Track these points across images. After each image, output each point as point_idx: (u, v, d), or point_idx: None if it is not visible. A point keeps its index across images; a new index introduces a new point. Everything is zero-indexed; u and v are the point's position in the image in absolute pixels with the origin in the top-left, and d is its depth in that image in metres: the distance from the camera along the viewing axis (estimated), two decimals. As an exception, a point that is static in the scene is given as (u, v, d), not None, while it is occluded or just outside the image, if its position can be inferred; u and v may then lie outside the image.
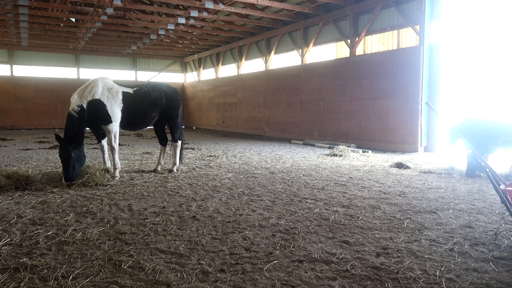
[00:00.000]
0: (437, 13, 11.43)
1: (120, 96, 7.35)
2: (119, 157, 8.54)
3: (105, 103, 7.12)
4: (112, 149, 7.36)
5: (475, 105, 10.76)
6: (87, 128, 7.54)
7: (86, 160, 7.41)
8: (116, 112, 7.26)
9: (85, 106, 6.92)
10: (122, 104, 7.35)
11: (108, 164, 7.82)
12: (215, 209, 5.20)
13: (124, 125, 7.63)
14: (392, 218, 4.78)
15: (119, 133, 7.64)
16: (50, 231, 4.24)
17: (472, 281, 3.06)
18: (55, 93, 23.65)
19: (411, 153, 11.53)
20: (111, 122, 7.20)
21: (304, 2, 14.86)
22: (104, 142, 7.69)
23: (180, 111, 8.38)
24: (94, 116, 7.06)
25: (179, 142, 8.36)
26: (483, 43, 10.69)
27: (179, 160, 8.47)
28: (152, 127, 8.44)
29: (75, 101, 6.89)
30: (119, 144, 13.87)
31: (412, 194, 6.08)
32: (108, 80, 7.47)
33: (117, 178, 7.18)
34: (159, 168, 8.20)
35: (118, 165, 7.45)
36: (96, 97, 7.05)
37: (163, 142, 8.48)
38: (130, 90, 7.61)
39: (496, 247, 3.76)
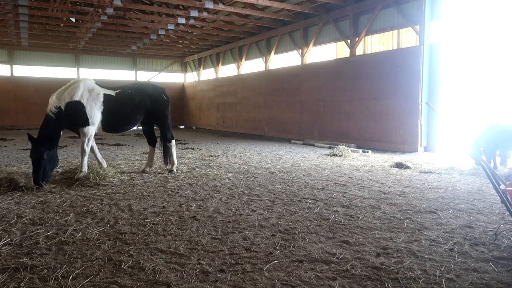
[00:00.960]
0: (437, 13, 11.43)
1: (101, 99, 7.25)
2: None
3: (85, 104, 7.04)
4: (82, 151, 7.18)
5: (475, 105, 10.76)
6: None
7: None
8: (95, 115, 7.16)
9: (63, 107, 6.86)
10: (102, 107, 7.25)
11: (104, 164, 7.79)
12: (215, 209, 5.20)
13: (105, 127, 7.53)
14: (392, 218, 4.78)
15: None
16: (50, 231, 4.24)
17: (472, 281, 3.06)
18: (55, 93, 23.62)
19: (411, 153, 11.53)
20: (88, 124, 7.10)
21: (304, 2, 14.86)
22: (93, 143, 7.61)
23: (168, 111, 8.17)
24: (73, 117, 6.98)
25: (173, 141, 8.20)
26: (483, 43, 10.69)
27: (169, 160, 8.21)
28: (141, 127, 8.33)
29: (53, 102, 6.83)
30: (119, 144, 13.89)
31: (412, 194, 6.08)
32: (90, 81, 7.37)
33: (79, 178, 6.93)
34: (147, 169, 8.12)
35: (85, 168, 7.18)
36: (76, 98, 6.98)
37: (151, 142, 8.25)
38: (112, 93, 7.48)
39: (496, 247, 3.76)
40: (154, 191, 6.30)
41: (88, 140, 7.21)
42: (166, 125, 8.11)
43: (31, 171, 6.59)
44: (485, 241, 3.94)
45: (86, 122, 7.09)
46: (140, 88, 7.89)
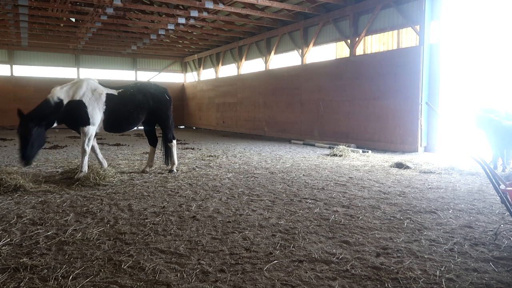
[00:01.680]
0: (437, 13, 11.43)
1: (104, 98, 7.26)
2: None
3: (87, 104, 7.07)
4: (83, 151, 7.17)
5: (474, 105, 10.75)
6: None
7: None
8: (96, 115, 7.18)
9: (64, 103, 6.92)
10: (104, 107, 7.27)
11: (105, 164, 7.79)
12: (215, 209, 5.20)
13: (107, 127, 7.52)
14: (392, 218, 4.78)
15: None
16: (50, 231, 4.24)
17: (472, 281, 3.06)
18: (55, 93, 23.65)
19: (411, 153, 11.53)
20: (89, 124, 7.12)
21: (304, 2, 14.86)
22: (94, 142, 7.62)
23: (170, 112, 8.17)
24: (74, 116, 7.01)
25: (174, 141, 8.20)
26: (483, 43, 10.69)
27: (170, 160, 8.20)
28: (142, 127, 8.33)
29: (57, 92, 6.89)
30: (119, 144, 13.89)
31: (412, 194, 6.08)
32: (93, 81, 7.41)
33: (79, 178, 6.92)
34: (147, 169, 8.11)
35: (85, 168, 7.15)
36: (78, 98, 7.02)
37: (152, 143, 8.26)
38: (114, 92, 7.50)
39: (496, 247, 3.76)
40: (154, 191, 6.30)
41: (89, 140, 7.20)
42: (167, 125, 8.10)
43: (24, 153, 6.47)
44: (485, 241, 3.94)
45: (87, 121, 7.10)
46: (143, 87, 7.90)
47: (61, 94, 6.94)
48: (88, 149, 7.22)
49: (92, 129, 7.21)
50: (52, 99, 6.83)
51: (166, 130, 8.11)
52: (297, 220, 4.69)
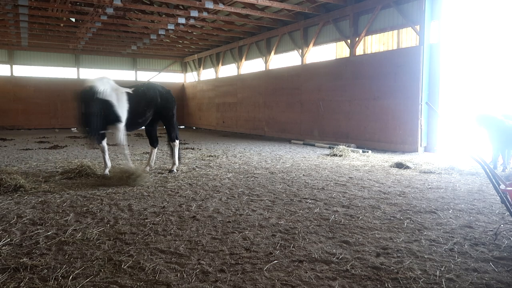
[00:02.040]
0: (437, 13, 11.43)
1: (125, 97, 7.41)
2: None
3: (114, 103, 7.21)
4: (119, 145, 7.49)
5: (475, 105, 10.76)
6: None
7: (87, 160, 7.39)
8: (123, 112, 7.35)
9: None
10: (127, 105, 7.41)
11: (109, 164, 7.80)
12: (215, 209, 5.20)
13: (125, 125, 7.60)
14: (392, 218, 4.78)
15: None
16: (50, 231, 4.24)
17: (472, 281, 3.06)
18: (55, 93, 23.65)
19: (411, 153, 11.53)
20: (120, 121, 7.28)
21: (304, 2, 14.86)
22: (105, 142, 7.66)
23: (175, 112, 8.31)
24: (104, 115, 7.07)
25: (177, 141, 8.27)
26: (483, 43, 10.69)
27: (172, 160, 8.31)
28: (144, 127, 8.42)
29: (96, 84, 7.06)
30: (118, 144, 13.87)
31: (412, 194, 6.08)
32: (111, 81, 7.55)
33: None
34: (147, 168, 8.13)
35: (130, 162, 7.49)
36: (106, 97, 7.10)
37: (154, 144, 8.37)
38: (130, 91, 7.66)
39: (496, 247, 3.76)
40: (154, 191, 6.30)
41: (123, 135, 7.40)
42: (172, 124, 8.21)
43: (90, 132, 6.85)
44: (485, 241, 3.94)
45: (118, 119, 7.25)
46: (151, 85, 8.15)
47: (98, 84, 7.08)
48: (125, 143, 7.47)
49: (123, 125, 7.39)
50: (94, 88, 6.97)
51: (170, 129, 8.22)
52: (297, 220, 4.69)
